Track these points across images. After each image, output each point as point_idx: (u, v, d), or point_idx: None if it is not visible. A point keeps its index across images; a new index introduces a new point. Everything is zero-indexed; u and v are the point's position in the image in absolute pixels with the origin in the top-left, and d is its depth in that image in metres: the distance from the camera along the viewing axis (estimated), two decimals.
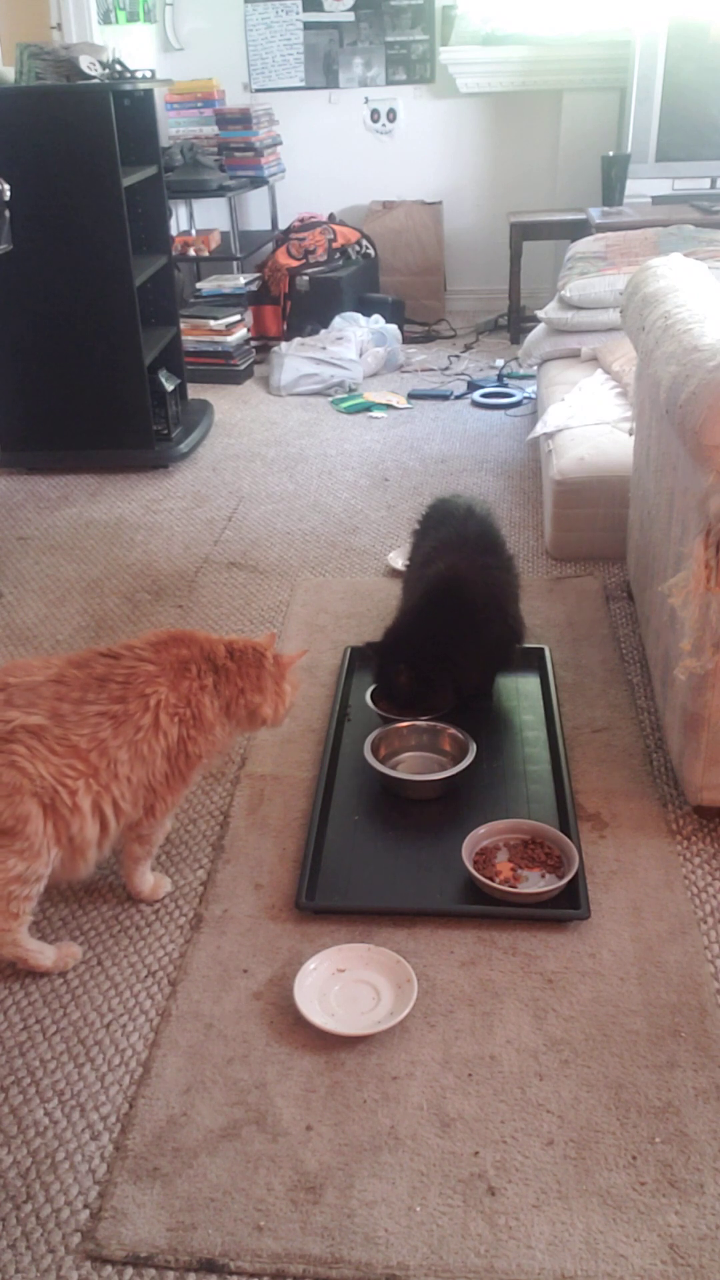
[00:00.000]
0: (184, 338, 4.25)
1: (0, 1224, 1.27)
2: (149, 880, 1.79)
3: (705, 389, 1.59)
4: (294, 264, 5.12)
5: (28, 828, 1.49)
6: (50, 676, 1.59)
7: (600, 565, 2.88)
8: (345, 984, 1.57)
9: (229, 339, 4.70)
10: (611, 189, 4.81)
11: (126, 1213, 1.28)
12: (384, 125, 5.53)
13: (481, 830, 1.83)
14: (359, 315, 4.95)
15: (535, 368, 4.05)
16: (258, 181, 5.26)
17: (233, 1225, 1.26)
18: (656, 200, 4.84)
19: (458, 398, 4.42)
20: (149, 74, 3.84)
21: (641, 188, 4.85)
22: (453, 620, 2.09)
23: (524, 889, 1.72)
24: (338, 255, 5.22)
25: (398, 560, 2.87)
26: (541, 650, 2.39)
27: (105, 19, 4.74)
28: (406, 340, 5.12)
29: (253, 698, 1.70)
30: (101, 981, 1.62)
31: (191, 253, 5.07)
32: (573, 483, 2.84)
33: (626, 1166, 1.31)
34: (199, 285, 5.07)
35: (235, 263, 5.11)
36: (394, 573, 2.85)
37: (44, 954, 1.63)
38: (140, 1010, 1.57)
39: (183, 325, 4.21)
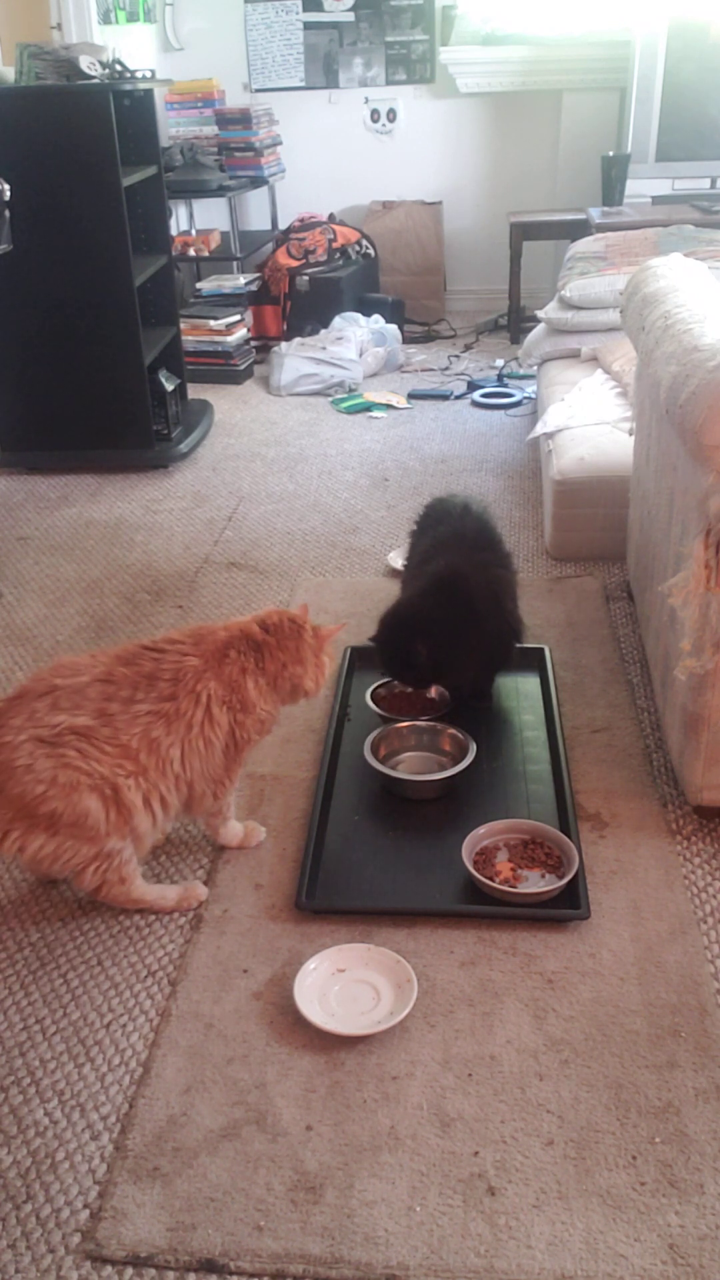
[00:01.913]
0: (184, 338, 4.25)
1: (0, 1224, 1.28)
2: (237, 831, 1.87)
3: (705, 389, 1.59)
4: (294, 264, 5.13)
5: (89, 820, 1.57)
6: (97, 675, 1.62)
7: (600, 565, 2.88)
8: (345, 984, 1.57)
9: (229, 339, 4.70)
10: (611, 189, 4.81)
11: (126, 1213, 1.28)
12: (384, 125, 5.53)
13: (481, 830, 1.83)
14: (359, 315, 4.95)
15: (535, 368, 4.05)
16: (258, 181, 5.26)
17: (233, 1225, 1.26)
18: (656, 200, 4.84)
19: (458, 398, 4.42)
20: (149, 74, 3.84)
21: (641, 188, 4.85)
22: (456, 612, 2.09)
23: (524, 889, 1.72)
24: (338, 255, 5.22)
25: (397, 560, 2.87)
26: (541, 650, 2.39)
27: (105, 19, 4.74)
28: (406, 340, 5.12)
29: (295, 670, 1.74)
30: (101, 981, 1.62)
31: (191, 253, 5.08)
32: (573, 483, 2.84)
33: (626, 1166, 1.31)
34: (199, 285, 5.07)
35: (235, 263, 5.11)
36: (394, 573, 2.85)
37: (165, 898, 1.73)
38: (140, 1010, 1.57)
39: (183, 325, 4.21)
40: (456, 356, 5.00)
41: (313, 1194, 1.29)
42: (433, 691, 2.22)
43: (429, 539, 2.30)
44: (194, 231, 5.37)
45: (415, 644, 2.04)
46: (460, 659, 2.10)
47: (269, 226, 5.66)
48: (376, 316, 4.98)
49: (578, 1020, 1.52)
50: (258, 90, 5.50)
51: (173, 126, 5.30)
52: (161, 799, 1.64)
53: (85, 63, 3.37)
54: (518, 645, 2.26)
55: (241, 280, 5.01)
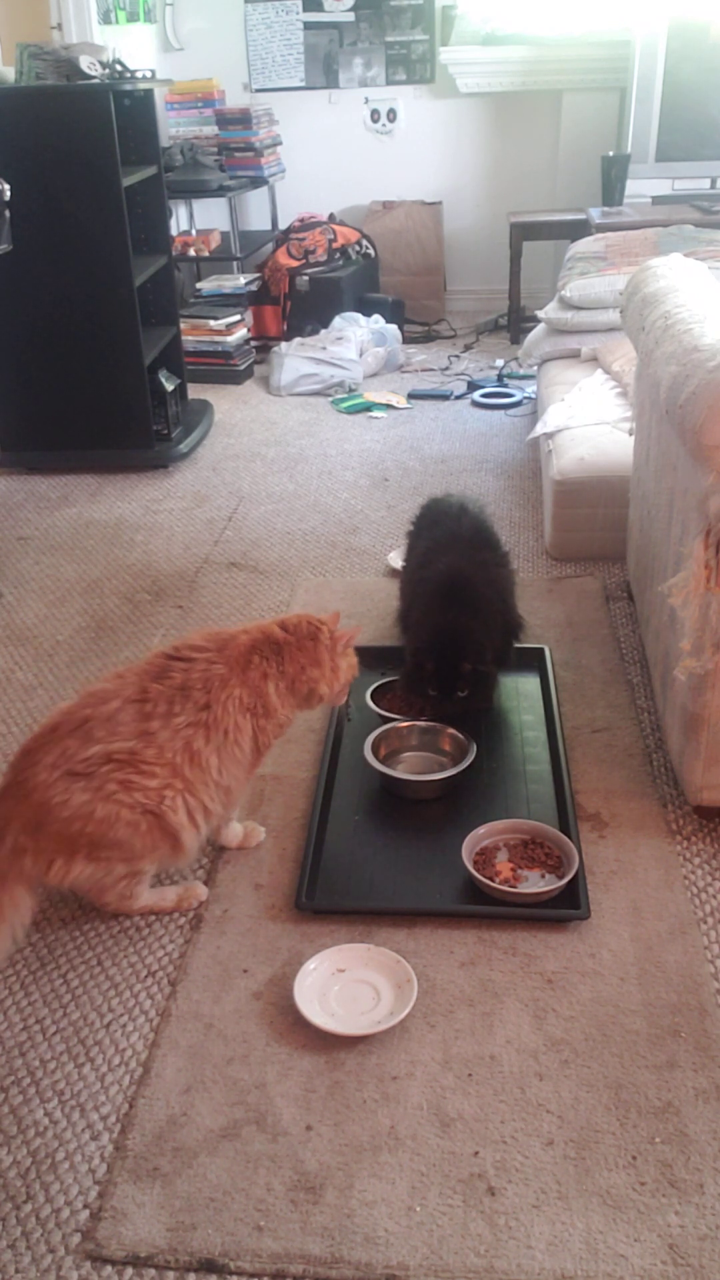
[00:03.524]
0: (184, 338, 4.25)
1: (0, 1224, 1.28)
2: (237, 832, 1.87)
3: (705, 389, 1.59)
4: (294, 264, 5.12)
5: (127, 845, 1.60)
6: (130, 696, 1.62)
7: (600, 565, 2.88)
8: (345, 984, 1.57)
9: (229, 339, 4.70)
10: (611, 189, 4.80)
11: (126, 1213, 1.28)
12: (384, 125, 5.53)
13: (481, 830, 1.83)
14: (359, 315, 4.95)
15: (535, 368, 4.05)
16: (258, 181, 5.26)
17: (233, 1225, 1.26)
18: (656, 200, 4.84)
19: (458, 398, 4.42)
20: (149, 74, 3.84)
21: (641, 188, 4.85)
22: (483, 623, 2.09)
23: (524, 889, 1.72)
24: (338, 255, 5.22)
25: (397, 560, 2.87)
26: (541, 650, 2.39)
27: (105, 19, 4.74)
28: (406, 340, 5.12)
29: (311, 673, 1.73)
30: (101, 981, 1.62)
31: (191, 253, 5.07)
32: (573, 483, 2.84)
33: (626, 1166, 1.31)
34: (199, 285, 5.07)
35: (235, 263, 5.11)
36: (394, 573, 2.85)
37: (165, 898, 1.74)
38: (140, 1010, 1.57)
39: (183, 325, 4.21)
40: (456, 356, 5.00)
41: (313, 1194, 1.29)
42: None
43: (427, 540, 2.31)
44: (194, 231, 5.37)
45: (464, 664, 2.05)
46: (491, 669, 2.11)
47: (269, 226, 5.66)
48: (376, 316, 4.97)
49: (578, 1020, 1.52)
50: (258, 90, 5.50)
51: (173, 126, 5.29)
52: (204, 809, 1.65)
53: (85, 63, 3.36)
54: (516, 645, 2.27)
55: (241, 280, 5.01)
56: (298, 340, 4.74)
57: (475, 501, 2.37)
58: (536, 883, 1.74)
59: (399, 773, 2.01)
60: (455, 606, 2.09)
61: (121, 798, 1.56)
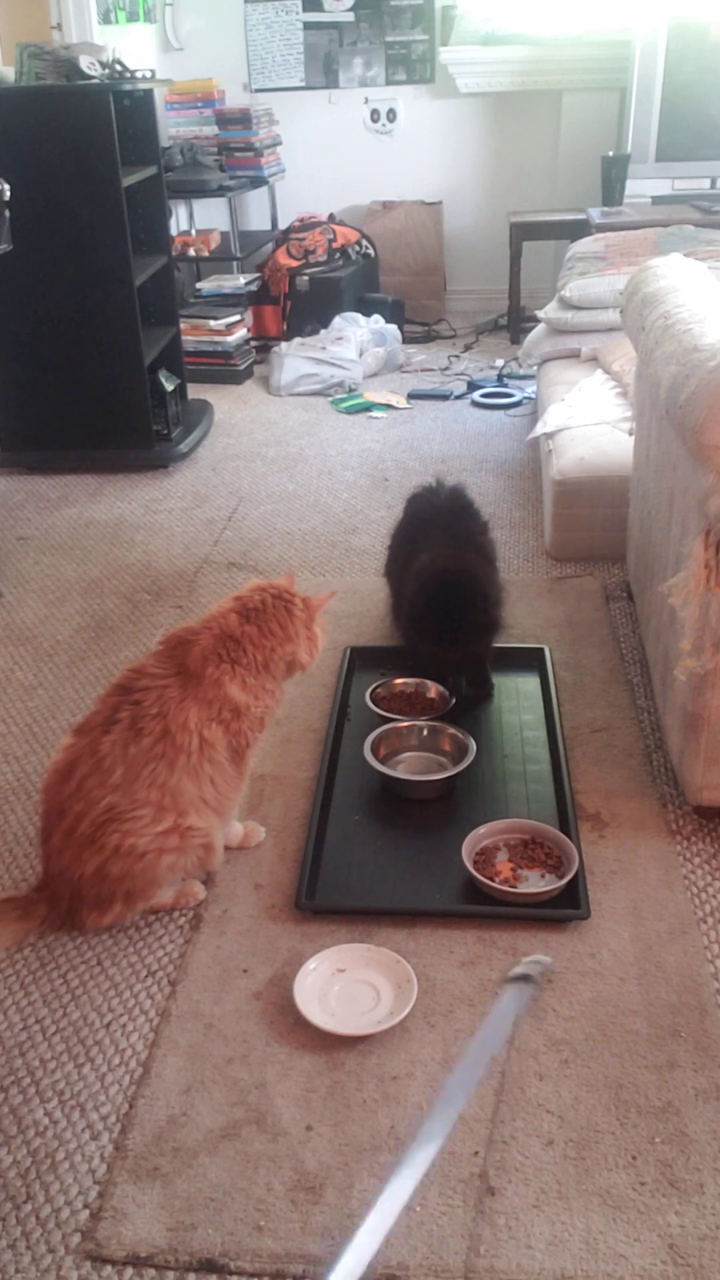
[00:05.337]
0: (184, 338, 4.25)
1: (0, 1224, 1.28)
2: (237, 831, 1.87)
3: (705, 389, 1.59)
4: (294, 264, 5.13)
5: (162, 878, 1.66)
6: (90, 761, 1.62)
7: (600, 565, 2.88)
8: (345, 984, 1.57)
9: (229, 339, 4.70)
10: (611, 189, 4.81)
11: (126, 1213, 1.28)
12: (384, 125, 5.53)
13: (481, 830, 1.83)
14: (359, 315, 4.95)
15: (535, 368, 4.05)
16: (258, 181, 5.26)
17: (233, 1225, 1.26)
18: (656, 200, 4.84)
19: (458, 398, 4.42)
20: (149, 74, 3.84)
21: (641, 188, 4.85)
22: (485, 570, 2.10)
23: (524, 889, 1.72)
24: (338, 255, 5.22)
25: None
26: (541, 650, 2.39)
27: (105, 19, 4.74)
28: (406, 340, 5.12)
29: (285, 649, 1.72)
30: (101, 981, 1.62)
31: (191, 253, 5.08)
32: (573, 483, 2.84)
33: (626, 1166, 1.31)
34: (199, 285, 5.07)
35: (235, 263, 5.11)
36: None
37: (162, 895, 1.73)
38: (140, 1010, 1.57)
39: (183, 325, 4.21)
40: (456, 356, 5.00)
41: (313, 1194, 1.29)
42: (432, 691, 2.22)
43: (408, 519, 2.33)
44: (194, 231, 5.37)
45: (474, 601, 2.02)
46: (494, 623, 2.09)
47: (269, 226, 5.66)
48: (376, 316, 4.97)
49: (578, 1020, 1.52)
50: (258, 90, 5.50)
51: (173, 126, 5.29)
52: (214, 811, 1.69)
53: (85, 63, 3.36)
54: (517, 646, 2.28)
55: (241, 280, 5.01)
56: (298, 340, 4.74)
57: (454, 480, 2.40)
58: (536, 882, 1.74)
59: (399, 773, 2.01)
60: (459, 555, 2.09)
61: (134, 842, 1.59)
